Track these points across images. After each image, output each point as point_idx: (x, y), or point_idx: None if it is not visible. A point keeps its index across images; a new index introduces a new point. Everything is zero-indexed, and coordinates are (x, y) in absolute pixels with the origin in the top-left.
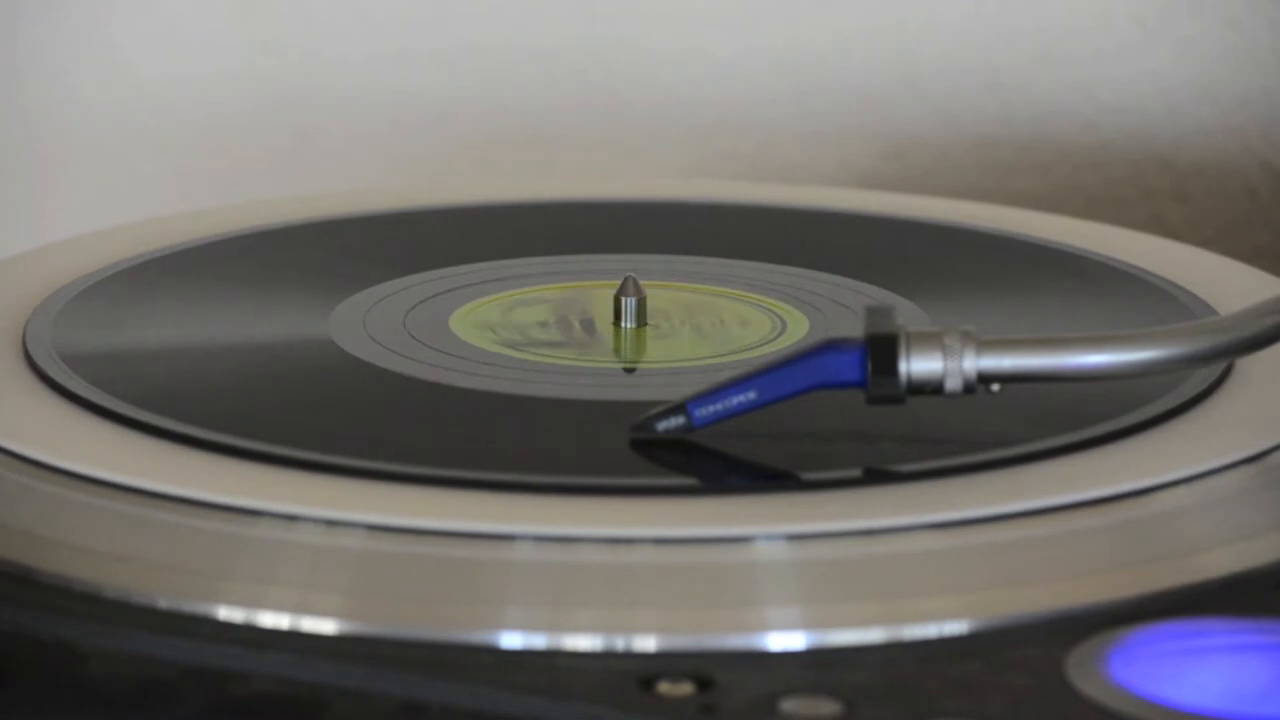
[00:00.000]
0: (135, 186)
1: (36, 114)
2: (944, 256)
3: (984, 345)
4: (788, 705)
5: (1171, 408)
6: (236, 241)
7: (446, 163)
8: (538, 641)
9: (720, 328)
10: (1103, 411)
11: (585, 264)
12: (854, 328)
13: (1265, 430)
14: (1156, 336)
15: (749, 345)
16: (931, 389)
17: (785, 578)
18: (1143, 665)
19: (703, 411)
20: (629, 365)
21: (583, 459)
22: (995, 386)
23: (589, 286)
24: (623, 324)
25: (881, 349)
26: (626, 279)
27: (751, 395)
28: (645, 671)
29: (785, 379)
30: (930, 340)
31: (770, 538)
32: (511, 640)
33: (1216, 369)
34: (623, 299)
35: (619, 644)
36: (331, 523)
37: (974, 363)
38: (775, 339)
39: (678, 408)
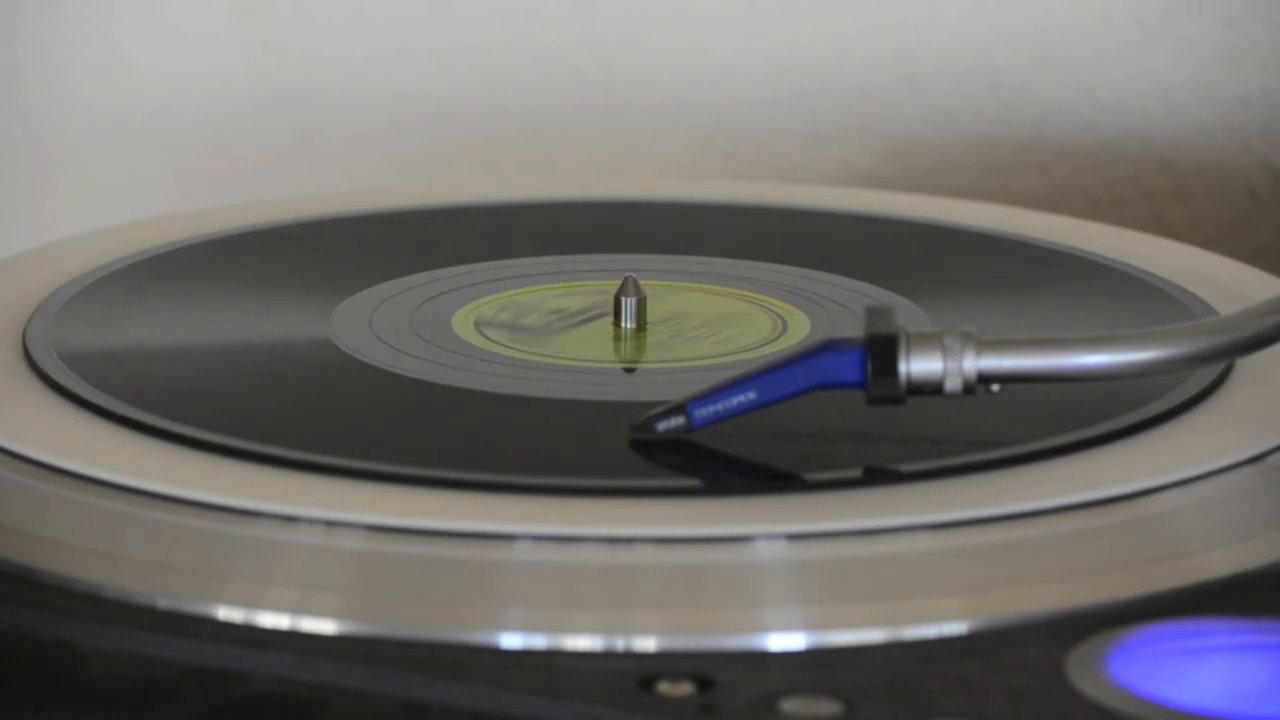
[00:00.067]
0: (135, 186)
1: (36, 114)
2: (944, 256)
3: (984, 345)
4: (788, 705)
5: (1171, 408)
6: (236, 241)
7: (446, 163)
8: (538, 641)
9: (721, 327)
10: (1103, 411)
11: (585, 264)
12: (854, 328)
13: (1265, 431)
14: (1156, 336)
15: (749, 345)
16: (931, 389)
17: (785, 578)
18: (1143, 665)
19: (703, 412)
20: (629, 365)
21: (583, 459)
22: (995, 387)
23: (589, 286)
24: (623, 324)
25: (881, 349)
26: (626, 279)
27: (751, 395)
28: (645, 671)
29: (785, 379)
30: (930, 340)
31: (770, 538)
32: (511, 640)
33: (1216, 369)
34: (623, 299)
35: (619, 644)
36: (331, 523)
37: (974, 363)
38: (776, 339)
39: (678, 408)
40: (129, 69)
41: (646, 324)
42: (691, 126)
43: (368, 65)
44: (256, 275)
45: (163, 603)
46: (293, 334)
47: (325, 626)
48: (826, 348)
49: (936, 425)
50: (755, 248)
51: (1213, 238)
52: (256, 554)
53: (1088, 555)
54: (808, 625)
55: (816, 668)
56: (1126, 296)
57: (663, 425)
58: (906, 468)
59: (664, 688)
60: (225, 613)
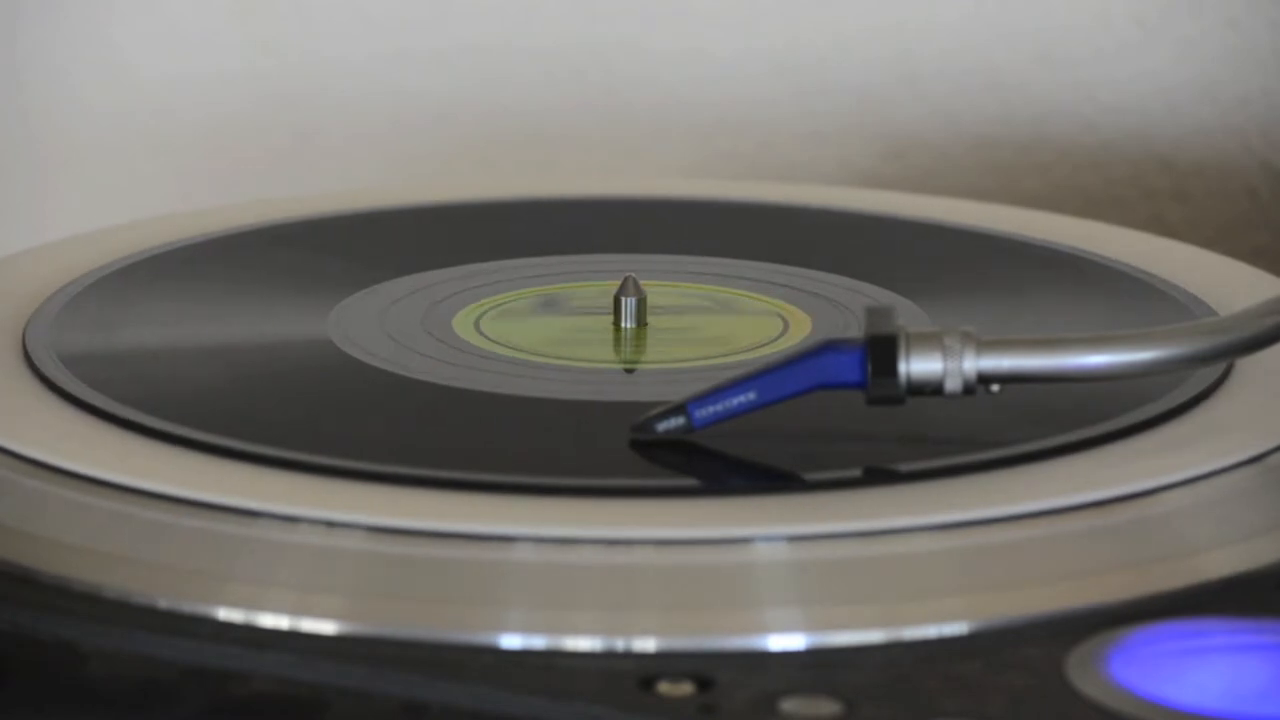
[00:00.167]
0: (135, 186)
1: (36, 114)
2: (944, 256)
3: (984, 345)
4: (788, 705)
5: (1171, 408)
6: (236, 241)
7: (446, 163)
8: (538, 642)
9: (721, 327)
10: (1103, 411)
11: (585, 264)
12: (854, 328)
13: (1266, 431)
14: (1156, 336)
15: (750, 345)
16: (931, 389)
17: (785, 578)
18: (1143, 665)
19: (703, 412)
20: (629, 365)
21: (582, 460)
22: (995, 387)
23: (589, 286)
24: (623, 324)
25: (881, 350)
26: (626, 279)
27: (751, 396)
28: (645, 671)
29: (785, 380)
30: (930, 341)
31: (770, 538)
32: (511, 640)
33: (1216, 369)
34: (623, 299)
35: (619, 644)
36: (331, 523)
37: (974, 363)
38: (777, 339)
39: (678, 408)
40: (129, 69)
41: (646, 324)
42: (691, 126)
43: (368, 65)
44: (256, 275)
45: (163, 603)
46: (292, 334)
47: (325, 627)
48: (826, 348)
49: (936, 425)
50: (755, 248)
51: (1213, 238)
52: (256, 554)
53: (1088, 555)
54: (808, 625)
55: (816, 668)
56: (1126, 296)
57: (663, 425)
58: (906, 468)
59: (664, 688)
60: (225, 613)
